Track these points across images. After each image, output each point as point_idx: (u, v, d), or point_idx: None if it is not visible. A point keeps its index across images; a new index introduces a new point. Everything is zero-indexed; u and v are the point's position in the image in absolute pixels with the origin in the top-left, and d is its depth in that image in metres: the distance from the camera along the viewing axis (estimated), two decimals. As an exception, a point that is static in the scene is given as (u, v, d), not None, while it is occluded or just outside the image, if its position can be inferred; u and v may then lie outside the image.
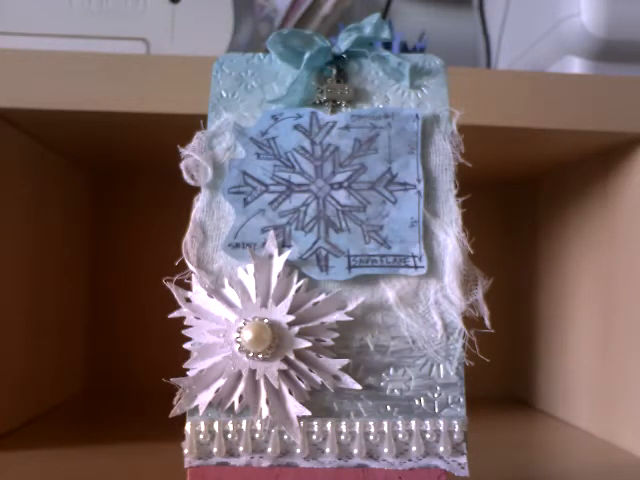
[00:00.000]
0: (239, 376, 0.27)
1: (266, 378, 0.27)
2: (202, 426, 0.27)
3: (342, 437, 0.27)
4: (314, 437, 0.27)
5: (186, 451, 0.27)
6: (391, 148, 0.29)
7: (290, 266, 0.28)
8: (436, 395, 0.28)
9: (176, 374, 0.27)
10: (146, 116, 0.41)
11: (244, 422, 0.27)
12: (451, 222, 0.29)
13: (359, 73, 0.31)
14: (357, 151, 0.29)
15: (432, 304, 0.28)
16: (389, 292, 0.28)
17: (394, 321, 0.28)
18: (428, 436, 0.27)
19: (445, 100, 0.30)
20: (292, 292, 0.27)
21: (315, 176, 0.29)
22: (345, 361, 0.27)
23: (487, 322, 0.28)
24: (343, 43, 0.31)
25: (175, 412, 0.27)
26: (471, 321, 0.28)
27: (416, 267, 0.28)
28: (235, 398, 0.27)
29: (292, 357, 0.27)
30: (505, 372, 0.64)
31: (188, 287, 0.28)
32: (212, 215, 0.29)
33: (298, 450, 0.27)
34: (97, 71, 0.40)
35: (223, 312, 0.27)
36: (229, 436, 0.27)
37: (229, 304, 0.27)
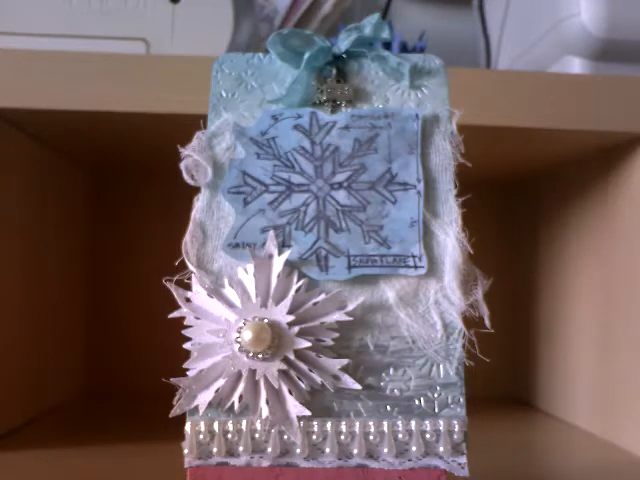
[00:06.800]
0: (239, 376, 0.27)
1: (266, 378, 0.27)
2: (202, 426, 0.27)
3: (342, 437, 0.27)
4: (314, 437, 0.27)
5: (186, 451, 0.27)
6: (391, 148, 0.29)
7: (290, 266, 0.28)
8: (436, 395, 0.28)
9: (176, 374, 0.27)
10: (146, 116, 0.41)
11: (244, 422, 0.27)
12: (451, 222, 0.29)
13: (359, 73, 0.31)
14: (357, 151, 0.29)
15: (432, 304, 0.28)
16: (389, 292, 0.28)
17: (394, 321, 0.28)
18: (428, 436, 0.27)
19: (445, 100, 0.30)
20: (292, 292, 0.27)
21: (315, 176, 0.29)
22: (345, 361, 0.27)
23: (487, 322, 0.28)
24: (343, 43, 0.31)
25: (175, 412, 0.27)
26: (471, 321, 0.28)
27: (416, 267, 0.28)
28: (235, 398, 0.27)
29: (292, 357, 0.27)
30: (505, 372, 0.64)
31: (188, 287, 0.28)
32: (212, 215, 0.29)
33: (298, 450, 0.27)
34: (97, 71, 0.40)
35: (223, 312, 0.27)
36: (229, 436, 0.27)
37: (229, 304, 0.27)
